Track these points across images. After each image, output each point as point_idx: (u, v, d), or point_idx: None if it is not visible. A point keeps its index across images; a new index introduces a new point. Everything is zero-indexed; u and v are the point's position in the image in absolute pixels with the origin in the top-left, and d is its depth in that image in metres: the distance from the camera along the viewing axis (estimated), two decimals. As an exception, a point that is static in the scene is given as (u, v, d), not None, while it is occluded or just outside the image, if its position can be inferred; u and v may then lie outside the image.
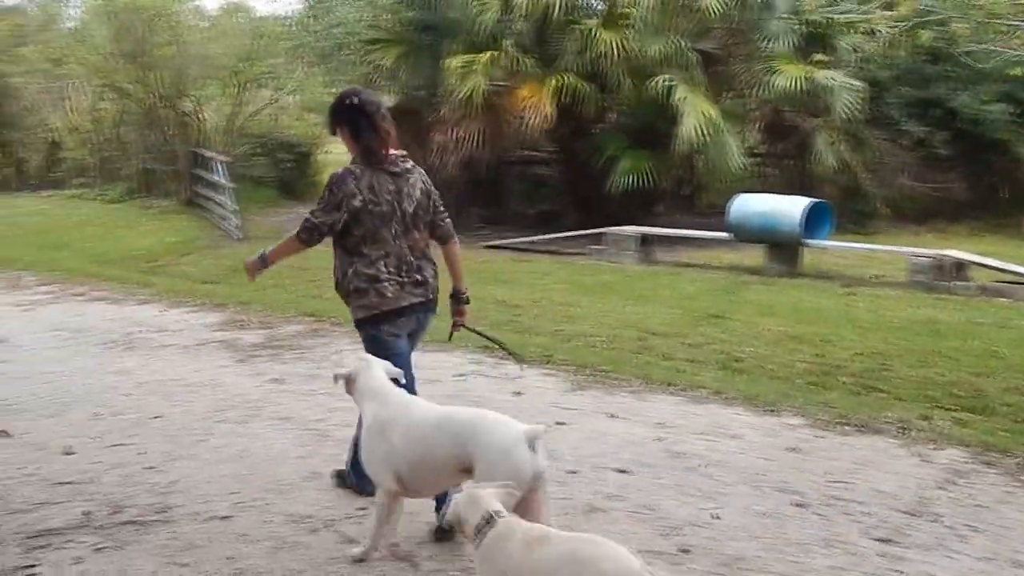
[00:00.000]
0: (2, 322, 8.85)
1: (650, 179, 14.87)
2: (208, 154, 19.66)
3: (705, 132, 14.12)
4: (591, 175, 15.78)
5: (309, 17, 20.15)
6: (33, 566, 3.65)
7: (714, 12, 14.94)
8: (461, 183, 17.30)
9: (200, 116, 22.09)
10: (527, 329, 9.03)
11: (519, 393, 6.33)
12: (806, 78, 14.77)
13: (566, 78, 14.67)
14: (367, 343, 4.35)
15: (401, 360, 4.29)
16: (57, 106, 25.24)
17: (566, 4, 14.98)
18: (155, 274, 13.30)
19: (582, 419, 5.76)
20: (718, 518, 4.27)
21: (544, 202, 18.69)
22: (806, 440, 5.38)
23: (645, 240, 13.52)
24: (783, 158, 18.22)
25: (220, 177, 18.07)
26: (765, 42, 15.72)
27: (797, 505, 4.42)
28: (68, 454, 4.97)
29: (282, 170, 23.83)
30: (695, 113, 14.16)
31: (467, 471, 3.54)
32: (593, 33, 14.73)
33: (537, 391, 6.43)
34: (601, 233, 13.93)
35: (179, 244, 16.30)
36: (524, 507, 3.33)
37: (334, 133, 4.57)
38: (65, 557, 3.73)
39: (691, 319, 9.18)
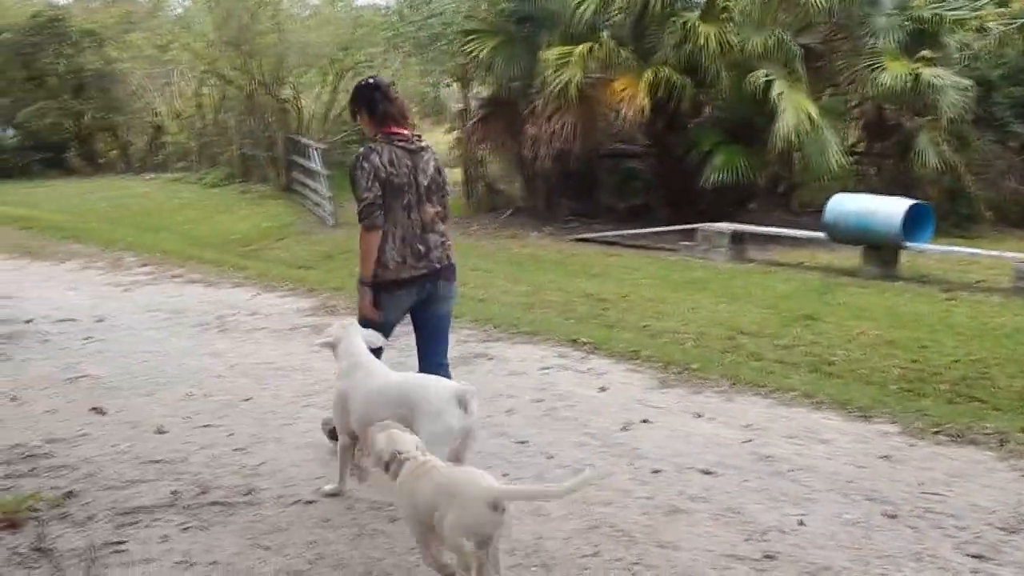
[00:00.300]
0: (103, 302, 9.10)
1: (744, 175, 14.64)
2: (305, 141, 19.98)
3: (803, 129, 13.83)
4: (684, 170, 15.60)
5: (408, 7, 20.29)
6: (122, 542, 3.74)
7: (818, 6, 14.60)
8: (553, 175, 17.29)
9: (298, 103, 22.44)
10: (614, 323, 8.96)
11: (604, 388, 6.28)
12: (911, 75, 14.34)
13: (662, 71, 14.50)
14: (380, 298, 4.69)
15: (386, 329, 4.74)
16: (162, 91, 25.91)
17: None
18: (250, 258, 13.57)
19: (667, 417, 5.68)
20: (804, 525, 4.16)
21: (635, 196, 18.53)
22: (899, 448, 5.22)
23: (737, 237, 13.30)
24: (883, 157, 17.69)
25: (316, 164, 18.36)
26: (870, 38, 15.29)
27: (887, 515, 4.29)
28: (160, 433, 5.09)
29: (376, 158, 24.08)
30: (793, 109, 13.87)
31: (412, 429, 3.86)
32: (692, 26, 14.52)
33: (622, 387, 6.37)
34: (692, 229, 13.74)
35: (274, 229, 16.61)
36: (456, 455, 3.98)
37: (355, 119, 4.98)
38: (152, 535, 3.81)
39: (782, 319, 9.00)
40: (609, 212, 17.67)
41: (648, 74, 14.48)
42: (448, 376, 4.69)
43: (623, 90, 14.62)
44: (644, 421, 5.56)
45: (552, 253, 13.89)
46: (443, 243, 4.82)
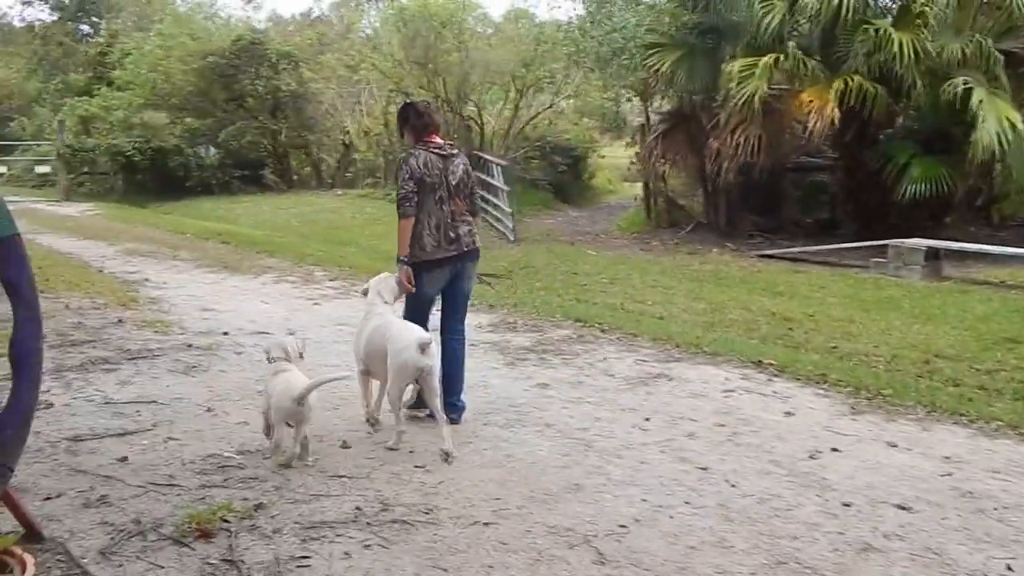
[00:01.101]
0: (294, 315, 9.44)
1: (942, 188, 13.93)
2: (487, 157, 20.27)
3: (1006, 139, 13.05)
4: (875, 183, 14.98)
5: (590, 22, 20.32)
6: (307, 557, 3.80)
7: (1021, 9, 13.78)
8: (735, 190, 16.94)
9: (481, 120, 22.81)
10: (799, 344, 8.64)
11: (790, 413, 6.04)
12: None
13: (853, 80, 13.96)
14: (418, 278, 5.70)
15: (424, 301, 5.82)
16: (351, 110, 26.84)
17: (857, 4, 14.22)
18: (432, 273, 13.82)
19: (858, 446, 5.40)
20: (1012, 571, 3.85)
21: (822, 210, 17.96)
22: (1120, 488, 4.79)
23: (932, 254, 12.64)
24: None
25: (497, 180, 18.59)
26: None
27: (1107, 563, 3.92)
28: (344, 448, 5.20)
29: (557, 173, 24.26)
30: (995, 118, 13.11)
31: None
32: (885, 33, 13.91)
33: (809, 412, 6.11)
34: (884, 245, 13.15)
35: (456, 244, 16.88)
36: (423, 390, 5.37)
37: (402, 136, 6.14)
38: (336, 551, 3.87)
39: (983, 342, 8.47)
40: (794, 227, 17.19)
41: (838, 84, 13.98)
42: (462, 337, 5.95)
43: (811, 101, 14.16)
44: (833, 450, 5.30)
45: (734, 270, 13.57)
46: (470, 231, 5.85)
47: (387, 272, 5.87)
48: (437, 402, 5.29)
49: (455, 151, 5.88)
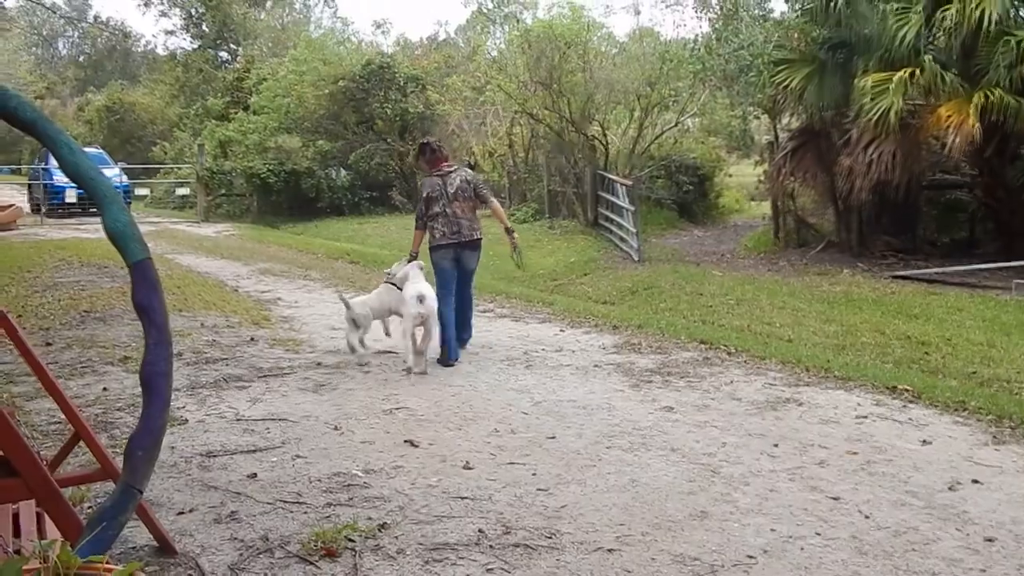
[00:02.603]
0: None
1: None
2: (611, 177, 20.20)
3: None
4: (1017, 200, 14.37)
5: (716, 39, 20.09)
6: (430, 579, 3.82)
7: None
8: (868, 208, 16.47)
9: (605, 139, 22.76)
10: (936, 370, 8.33)
11: (927, 442, 5.79)
12: None
13: (993, 94, 13.40)
14: (432, 258, 8.37)
15: (446, 273, 8.34)
16: (477, 131, 27.13)
17: (999, 15, 13.65)
18: (556, 293, 13.84)
19: (1001, 478, 5.14)
20: None
21: (959, 230, 17.29)
22: None
23: (1082, 275, 12.03)
24: None
25: (622, 199, 18.50)
26: None
27: None
28: (467, 469, 5.20)
29: (682, 193, 24.04)
30: None
31: None
32: (1029, 44, 13.32)
33: (947, 441, 5.85)
34: (1028, 266, 12.59)
35: (580, 264, 16.88)
36: (423, 332, 7.84)
37: (418, 162, 9.66)
38: (458, 574, 3.87)
39: None
40: (930, 247, 16.61)
41: (978, 98, 13.43)
42: (471, 294, 8.74)
43: (949, 116, 13.63)
44: (974, 481, 5.05)
45: (866, 291, 13.16)
46: (471, 226, 8.34)
47: (414, 262, 8.31)
48: (430, 341, 7.91)
49: (453, 169, 8.47)
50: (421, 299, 7.67)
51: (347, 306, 8.24)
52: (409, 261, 8.30)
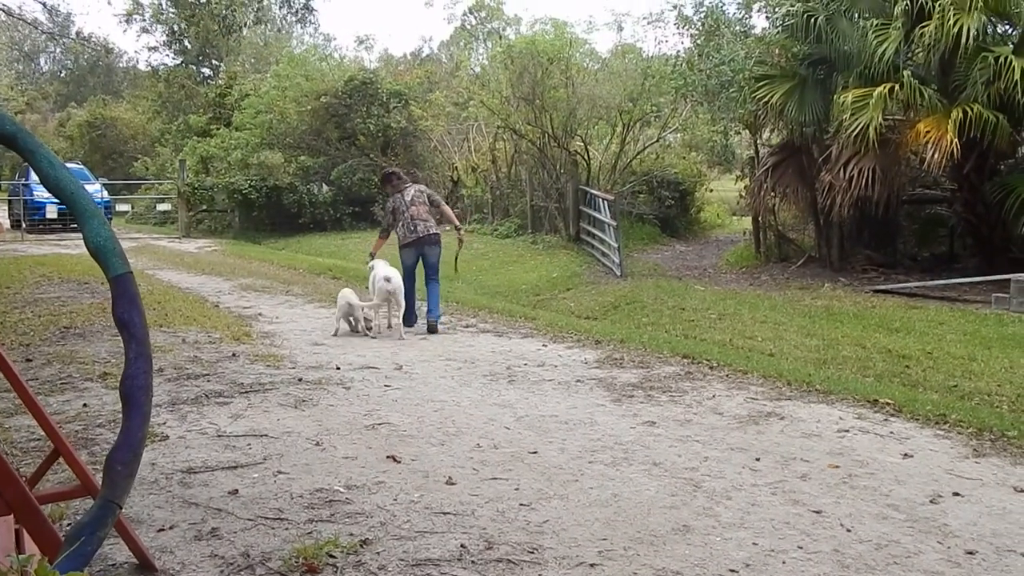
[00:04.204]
0: (401, 350, 9.52)
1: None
2: (593, 192, 20.27)
3: None
4: (996, 215, 14.47)
5: (698, 55, 20.21)
6: (413, 595, 3.80)
7: None
8: (848, 224, 16.57)
9: (587, 155, 22.85)
10: (917, 383, 8.37)
11: (908, 455, 5.82)
12: None
13: (972, 109, 13.52)
14: (400, 256, 10.67)
15: (407, 267, 10.61)
16: (459, 147, 27.18)
17: (976, 31, 13.78)
18: (539, 308, 13.84)
19: (982, 491, 5.16)
20: None
21: (939, 244, 17.43)
22: None
23: (1060, 289, 12.12)
24: None
25: (604, 214, 18.56)
26: None
27: None
28: (450, 484, 5.19)
29: (664, 208, 24.14)
30: None
31: None
32: (1006, 61, 13.44)
33: (929, 454, 5.87)
34: (1006, 280, 12.66)
35: (562, 279, 16.90)
36: (388, 306, 10.50)
37: (383, 188, 11.83)
38: (441, 589, 3.86)
39: (1117, 383, 8.06)
40: (910, 262, 16.74)
41: (957, 113, 13.55)
42: (436, 282, 10.72)
43: (928, 132, 13.75)
44: (955, 494, 5.08)
45: (847, 305, 13.22)
46: (427, 226, 10.49)
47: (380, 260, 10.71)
48: (400, 314, 10.30)
49: (407, 185, 10.84)
50: (388, 279, 10.13)
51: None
52: (371, 257, 10.99)
